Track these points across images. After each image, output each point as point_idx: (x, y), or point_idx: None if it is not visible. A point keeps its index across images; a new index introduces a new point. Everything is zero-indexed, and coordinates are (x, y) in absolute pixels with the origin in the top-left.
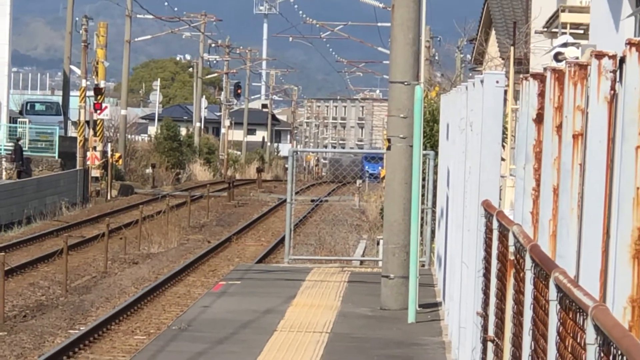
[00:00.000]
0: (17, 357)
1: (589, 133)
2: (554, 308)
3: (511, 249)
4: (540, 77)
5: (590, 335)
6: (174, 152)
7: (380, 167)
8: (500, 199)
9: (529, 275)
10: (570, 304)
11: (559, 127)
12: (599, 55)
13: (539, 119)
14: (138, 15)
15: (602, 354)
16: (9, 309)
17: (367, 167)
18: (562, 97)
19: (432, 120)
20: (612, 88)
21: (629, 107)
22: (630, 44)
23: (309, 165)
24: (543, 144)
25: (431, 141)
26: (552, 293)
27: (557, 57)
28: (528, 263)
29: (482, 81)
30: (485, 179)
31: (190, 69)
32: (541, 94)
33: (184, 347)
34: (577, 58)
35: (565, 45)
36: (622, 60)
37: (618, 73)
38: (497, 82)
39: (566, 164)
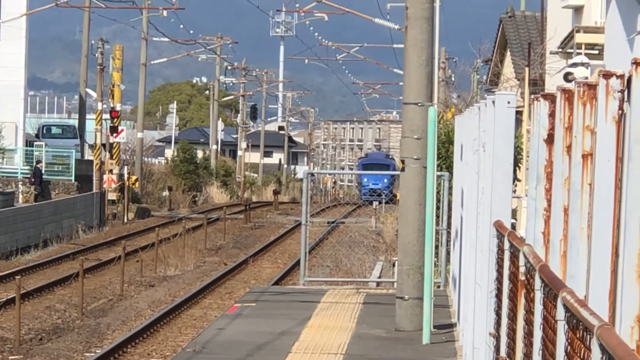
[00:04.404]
0: None
1: (598, 153)
2: (561, 328)
3: (522, 269)
4: (550, 98)
5: (596, 355)
6: (191, 175)
7: (385, 180)
8: (516, 219)
9: (538, 296)
10: (577, 323)
11: (569, 147)
12: (607, 75)
13: (550, 140)
14: (154, 38)
15: None
16: (25, 332)
17: (365, 180)
18: (572, 117)
19: (447, 142)
20: (620, 108)
21: (636, 126)
22: (636, 63)
23: (325, 187)
24: (554, 164)
25: (447, 162)
26: (560, 313)
27: (567, 77)
28: (537, 283)
29: (493, 102)
30: (497, 200)
31: (207, 92)
32: (552, 115)
33: None
34: (587, 78)
35: (574, 65)
36: (630, 79)
37: (626, 92)
38: (509, 102)
39: (576, 183)
